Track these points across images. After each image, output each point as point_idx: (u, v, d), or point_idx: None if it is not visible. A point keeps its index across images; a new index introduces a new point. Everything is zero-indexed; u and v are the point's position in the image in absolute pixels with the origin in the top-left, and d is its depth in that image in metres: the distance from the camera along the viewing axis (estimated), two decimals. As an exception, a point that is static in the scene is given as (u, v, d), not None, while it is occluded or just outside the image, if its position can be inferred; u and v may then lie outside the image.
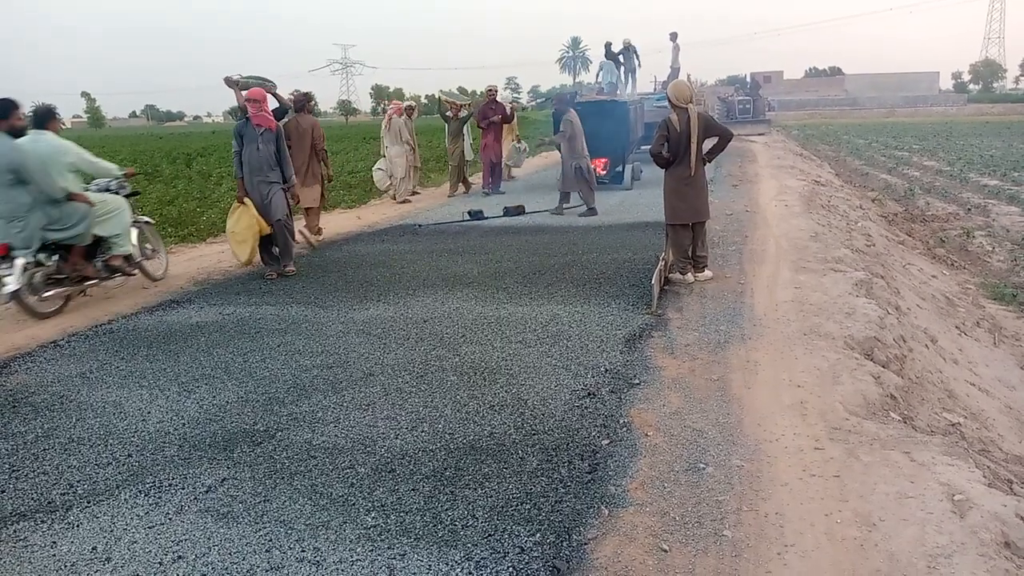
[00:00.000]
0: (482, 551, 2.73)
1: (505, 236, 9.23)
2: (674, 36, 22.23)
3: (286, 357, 4.96)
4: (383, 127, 13.61)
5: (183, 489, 3.29)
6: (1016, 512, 2.82)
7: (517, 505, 3.02)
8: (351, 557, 2.73)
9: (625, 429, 3.67)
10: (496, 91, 14.47)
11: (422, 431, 3.74)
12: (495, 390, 4.22)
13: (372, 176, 13.91)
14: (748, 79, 35.99)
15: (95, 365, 5.00)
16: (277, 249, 7.47)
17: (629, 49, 20.29)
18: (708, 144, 6.56)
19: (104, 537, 2.95)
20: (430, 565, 2.66)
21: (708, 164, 6.63)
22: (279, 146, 7.34)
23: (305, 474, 3.37)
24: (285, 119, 8.75)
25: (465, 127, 14.07)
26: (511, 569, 2.62)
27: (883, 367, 4.55)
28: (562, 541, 2.77)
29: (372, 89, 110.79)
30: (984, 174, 18.79)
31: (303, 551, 2.79)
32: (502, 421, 3.81)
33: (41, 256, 6.11)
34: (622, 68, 19.91)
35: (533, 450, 3.48)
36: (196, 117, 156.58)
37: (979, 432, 4.40)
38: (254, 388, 4.44)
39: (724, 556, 2.68)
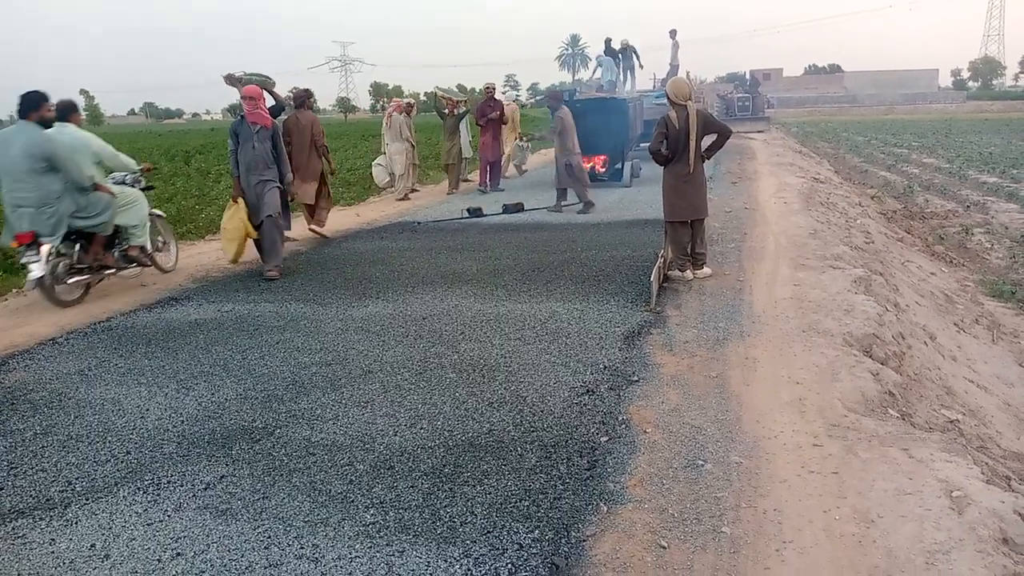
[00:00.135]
0: (481, 548, 2.73)
1: (504, 233, 9.23)
2: (673, 33, 22.23)
3: (285, 354, 4.96)
4: (384, 124, 13.64)
5: (182, 486, 3.29)
6: (1014, 508, 2.82)
7: (516, 502, 3.02)
8: (350, 554, 2.73)
9: (624, 426, 3.67)
10: (494, 88, 14.44)
11: (421, 428, 3.74)
12: (494, 387, 4.22)
13: (372, 172, 13.92)
14: (747, 76, 35.98)
15: (94, 362, 4.99)
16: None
17: (628, 49, 20.29)
18: (707, 141, 6.56)
19: (103, 534, 2.95)
20: (429, 562, 2.66)
21: (707, 161, 6.63)
22: (276, 144, 7.28)
23: (304, 471, 3.37)
24: (284, 116, 8.76)
25: (462, 124, 14.03)
26: (510, 566, 2.62)
27: (882, 364, 4.56)
28: (561, 538, 2.77)
29: (371, 87, 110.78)
30: (983, 171, 18.79)
31: (302, 548, 2.79)
32: (501, 418, 3.81)
33: (63, 246, 6.28)
34: (620, 65, 19.90)
35: (532, 447, 3.48)
36: (195, 114, 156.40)
37: (977, 429, 4.41)
38: (253, 385, 4.44)
39: (723, 553, 2.68)
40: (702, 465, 3.27)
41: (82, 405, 4.27)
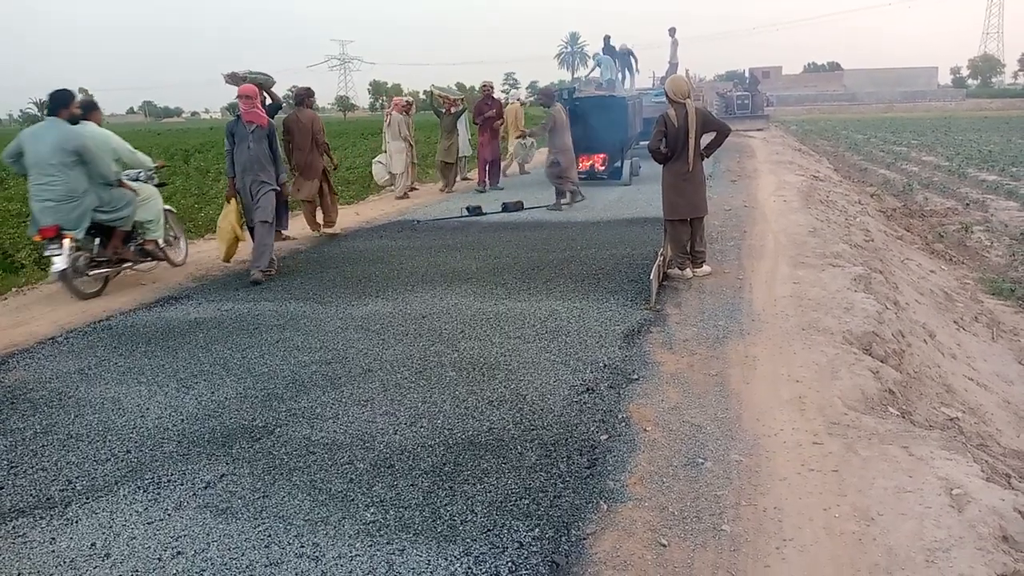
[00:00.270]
0: (481, 546, 2.73)
1: (503, 232, 9.22)
2: (673, 31, 22.20)
3: (285, 353, 4.96)
4: (384, 122, 13.68)
5: (182, 485, 3.30)
6: (1014, 506, 2.83)
7: (516, 500, 3.02)
8: (350, 552, 2.73)
9: (624, 424, 3.67)
10: (491, 87, 14.40)
11: (421, 427, 3.74)
12: (494, 386, 4.22)
13: (372, 171, 13.93)
14: (746, 74, 35.88)
15: (93, 361, 4.99)
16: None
17: (628, 55, 20.30)
18: (706, 139, 6.56)
19: (103, 533, 2.95)
20: (429, 560, 2.66)
21: (706, 159, 6.63)
22: (272, 144, 7.21)
23: (304, 470, 3.37)
24: (284, 116, 8.79)
25: (460, 123, 13.99)
26: (510, 564, 2.62)
27: (881, 362, 4.56)
28: (561, 536, 2.77)
29: (370, 85, 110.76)
30: (982, 169, 18.79)
31: (302, 547, 2.79)
32: (501, 416, 3.81)
33: (84, 240, 6.49)
34: (618, 64, 19.89)
35: (532, 445, 3.48)
36: (194, 113, 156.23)
37: (977, 427, 4.41)
38: (253, 384, 4.44)
39: (723, 551, 2.68)
40: (702, 463, 3.28)
41: (82, 404, 4.27)
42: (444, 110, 13.63)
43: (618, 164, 13.72)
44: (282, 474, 3.34)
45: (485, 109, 13.48)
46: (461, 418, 3.82)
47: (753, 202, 10.69)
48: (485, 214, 10.68)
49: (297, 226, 9.88)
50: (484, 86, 14.46)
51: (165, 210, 7.68)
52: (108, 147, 6.75)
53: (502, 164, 14.92)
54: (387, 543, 2.78)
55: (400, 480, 3.23)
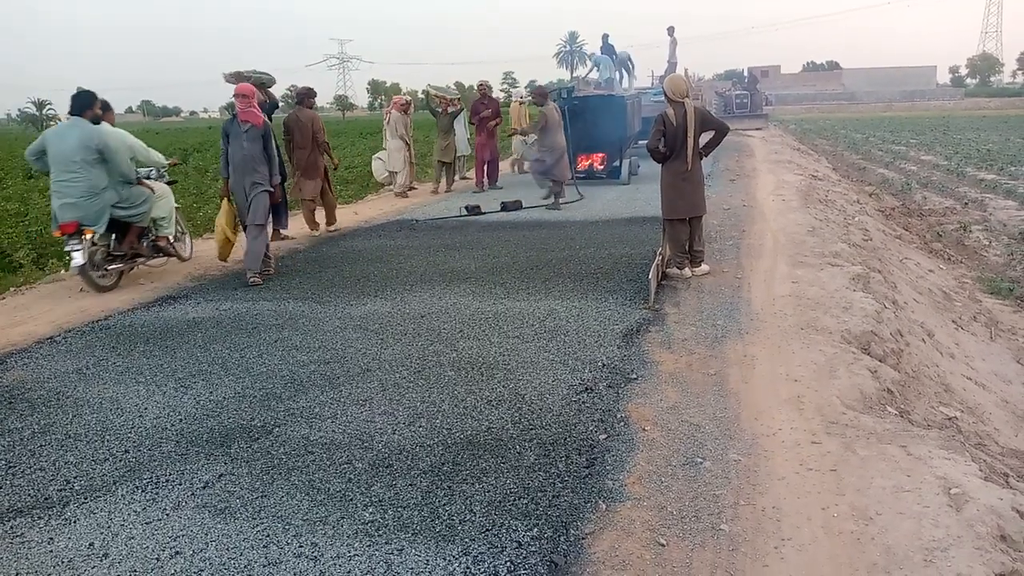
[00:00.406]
0: (480, 546, 2.73)
1: (502, 231, 9.22)
2: (671, 30, 22.19)
3: (283, 353, 4.96)
4: (384, 121, 13.72)
5: (180, 485, 3.29)
6: (1012, 505, 2.83)
7: (515, 500, 3.02)
8: (349, 552, 2.73)
9: (622, 424, 3.67)
10: (487, 86, 14.37)
11: (420, 426, 3.74)
12: (492, 385, 4.22)
13: (372, 166, 13.97)
14: (745, 73, 35.89)
15: (92, 361, 4.99)
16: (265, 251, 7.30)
17: (626, 60, 20.29)
18: (705, 138, 6.56)
19: (101, 533, 2.95)
20: (428, 560, 2.66)
21: (704, 158, 6.63)
22: (266, 144, 7.12)
23: (302, 470, 3.36)
24: (285, 115, 8.82)
25: (458, 123, 13.94)
26: (509, 563, 2.62)
27: (880, 361, 4.56)
28: (560, 535, 2.77)
29: (369, 84, 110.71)
30: (981, 168, 18.80)
31: (301, 546, 2.79)
32: (499, 416, 3.81)
33: (101, 235, 6.72)
34: (616, 63, 19.86)
35: (530, 445, 3.48)
36: (192, 112, 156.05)
37: (975, 426, 4.41)
38: (251, 384, 4.44)
39: (721, 550, 2.68)
40: (701, 463, 3.28)
41: (80, 404, 4.26)
42: (440, 110, 13.59)
43: (617, 163, 13.70)
44: (280, 474, 3.34)
45: (481, 109, 13.45)
46: (460, 418, 3.82)
47: (752, 201, 10.69)
48: (484, 213, 10.67)
49: (296, 226, 9.88)
50: (480, 86, 14.43)
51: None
52: (125, 145, 7.00)
53: (510, 161, 14.89)
54: (386, 543, 2.78)
55: (399, 480, 3.22)
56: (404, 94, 19.10)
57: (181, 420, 3.98)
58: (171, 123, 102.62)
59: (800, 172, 14.62)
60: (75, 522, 3.04)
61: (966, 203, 14.35)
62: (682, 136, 6.30)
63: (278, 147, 8.89)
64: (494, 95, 14.59)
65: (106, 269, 6.87)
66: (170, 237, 7.58)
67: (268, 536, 2.86)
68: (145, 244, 7.34)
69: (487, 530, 2.82)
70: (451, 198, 12.77)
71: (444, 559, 2.66)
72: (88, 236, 6.53)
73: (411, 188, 13.75)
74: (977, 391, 5.38)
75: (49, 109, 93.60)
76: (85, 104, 6.71)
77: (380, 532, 2.85)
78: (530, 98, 11.77)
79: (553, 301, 5.86)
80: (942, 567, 2.50)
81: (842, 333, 4.86)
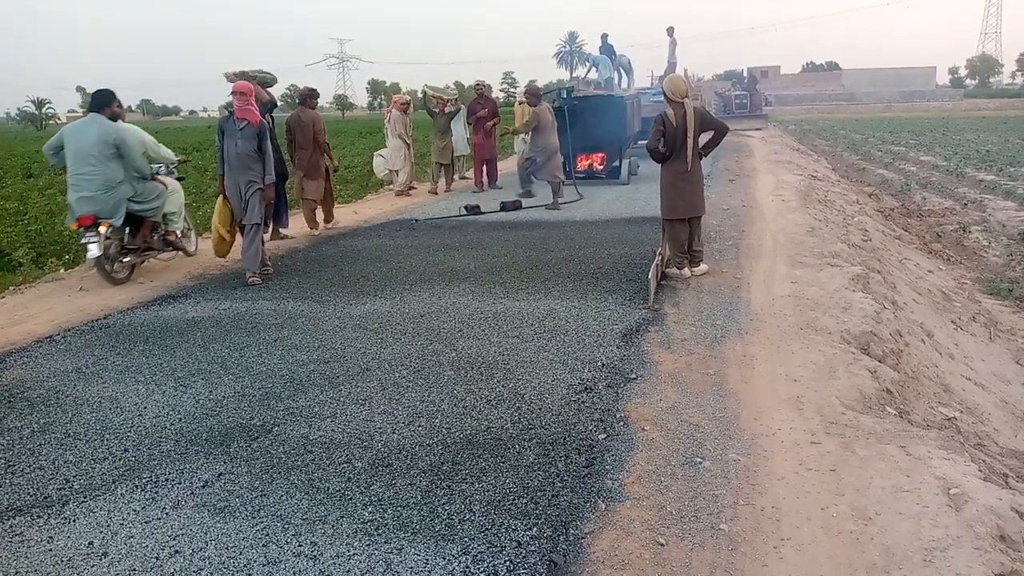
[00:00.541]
0: (479, 545, 2.73)
1: (502, 231, 9.22)
2: (671, 31, 22.20)
3: (283, 352, 4.96)
4: (385, 120, 13.76)
5: (180, 484, 3.29)
6: (1011, 506, 2.83)
7: (514, 499, 3.02)
8: (348, 551, 2.73)
9: (622, 423, 3.68)
10: (484, 86, 14.34)
11: (419, 426, 3.74)
12: (492, 385, 4.22)
13: (373, 163, 14.01)
14: (745, 74, 35.91)
15: (91, 360, 4.99)
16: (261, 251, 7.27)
17: (627, 65, 20.30)
18: (704, 138, 6.57)
19: (100, 532, 2.95)
20: (427, 559, 2.66)
21: (704, 159, 6.63)
22: (261, 143, 7.04)
23: (302, 469, 3.36)
24: (288, 115, 8.85)
25: (456, 122, 13.91)
26: (508, 563, 2.62)
27: (879, 361, 4.56)
28: (559, 535, 2.77)
29: (368, 84, 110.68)
30: (980, 169, 18.81)
31: (300, 546, 2.79)
32: (499, 416, 3.81)
33: (115, 229, 6.96)
34: (615, 63, 19.86)
35: (530, 444, 3.48)
36: (192, 111, 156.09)
37: (975, 426, 4.42)
38: (251, 383, 4.44)
39: (721, 550, 2.68)
40: (700, 463, 3.28)
41: (80, 403, 4.26)
42: (437, 110, 13.55)
43: (616, 163, 13.70)
44: (280, 473, 3.33)
45: (478, 109, 13.41)
46: (459, 417, 3.82)
47: (751, 201, 10.69)
48: (483, 213, 10.67)
49: (296, 225, 9.88)
50: (477, 85, 14.39)
51: None
52: (139, 141, 7.25)
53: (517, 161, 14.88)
54: (385, 542, 2.78)
55: (398, 479, 3.22)
56: (404, 93, 19.11)
57: (180, 419, 3.97)
58: (170, 122, 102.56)
59: (799, 172, 14.63)
60: (74, 521, 3.04)
61: (965, 204, 14.36)
62: (682, 136, 6.30)
63: (279, 146, 8.93)
64: (493, 95, 14.55)
65: (120, 261, 7.09)
66: (179, 232, 7.79)
67: (267, 535, 2.86)
68: (156, 238, 7.55)
69: (486, 529, 2.82)
70: (451, 198, 12.77)
71: (443, 558, 2.66)
72: (104, 229, 6.75)
73: (411, 188, 13.76)
74: (976, 391, 5.38)
75: (48, 108, 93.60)
76: (104, 101, 6.98)
77: (379, 531, 2.85)
78: (536, 94, 11.71)
79: (553, 301, 5.86)
80: (941, 567, 2.50)
81: (841, 333, 4.86)
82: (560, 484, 3.13)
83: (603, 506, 2.95)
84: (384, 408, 3.97)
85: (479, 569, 2.60)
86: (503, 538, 2.76)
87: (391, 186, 13.71)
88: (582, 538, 2.75)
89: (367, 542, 2.78)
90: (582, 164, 13.53)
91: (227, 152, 7.04)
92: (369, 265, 7.55)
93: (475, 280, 6.69)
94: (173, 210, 7.69)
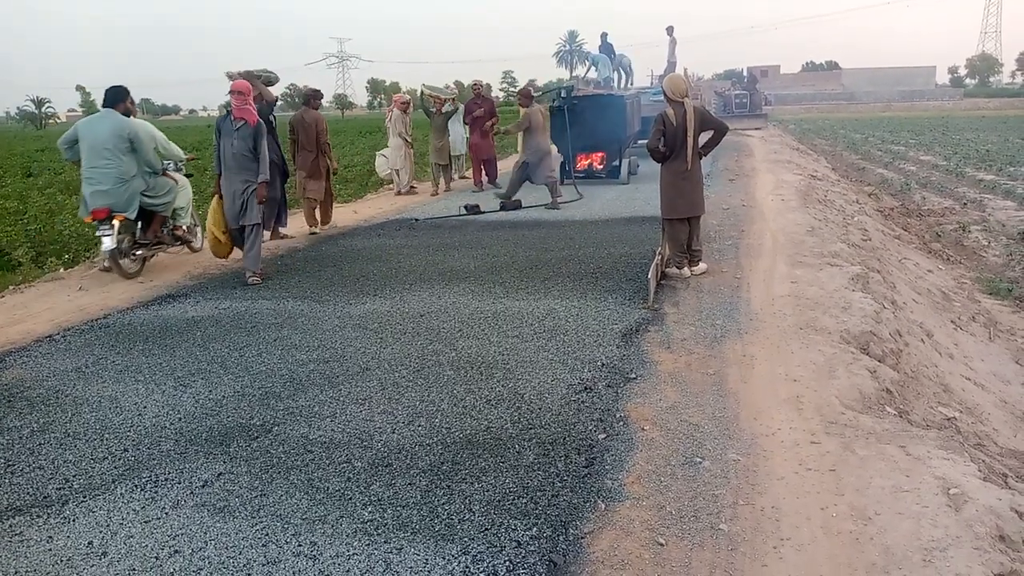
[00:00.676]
0: (479, 545, 2.73)
1: (501, 231, 9.22)
2: (670, 30, 22.19)
3: (282, 352, 4.95)
4: (387, 119, 13.76)
5: (179, 483, 3.29)
6: (1011, 506, 2.83)
7: (514, 499, 3.02)
8: (348, 551, 2.73)
9: (621, 423, 3.68)
10: (481, 86, 14.33)
11: (419, 425, 3.74)
12: (492, 384, 4.22)
13: (375, 162, 14.02)
14: (745, 73, 35.91)
15: (91, 360, 4.99)
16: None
17: (626, 66, 20.30)
18: (704, 138, 6.57)
19: (100, 531, 2.95)
20: (427, 559, 2.66)
21: (704, 158, 6.63)
22: (256, 143, 6.98)
23: (302, 469, 3.36)
24: (291, 115, 8.88)
25: (454, 121, 13.89)
26: (508, 563, 2.62)
27: (879, 361, 4.56)
28: (559, 535, 2.77)
29: (368, 83, 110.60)
30: (980, 169, 18.82)
31: (300, 545, 2.79)
32: (499, 415, 3.81)
33: (128, 223, 7.13)
34: (614, 62, 19.87)
35: (530, 444, 3.48)
36: (191, 111, 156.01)
37: (974, 426, 4.42)
38: (250, 383, 4.43)
39: (720, 550, 2.68)
40: (700, 462, 3.28)
41: (79, 402, 4.26)
42: (434, 110, 13.53)
43: (616, 163, 13.69)
44: (280, 473, 3.33)
45: (474, 108, 13.39)
46: (459, 417, 3.82)
47: (751, 201, 10.69)
48: (483, 213, 10.67)
49: (296, 225, 9.88)
50: (474, 85, 14.37)
51: None
52: (151, 137, 7.42)
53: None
54: (385, 542, 2.78)
55: (398, 479, 3.22)
56: (404, 93, 19.10)
57: (180, 419, 3.97)
58: (170, 121, 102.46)
59: (799, 172, 14.63)
60: (74, 521, 3.04)
61: (965, 203, 14.36)
62: (682, 136, 6.30)
63: (280, 146, 8.94)
64: (493, 95, 14.54)
65: (133, 255, 7.29)
66: (186, 227, 7.98)
67: (267, 535, 2.86)
68: (165, 232, 7.72)
69: (486, 529, 2.82)
70: (450, 197, 12.76)
71: (443, 558, 2.66)
72: (118, 222, 6.93)
73: (412, 188, 13.74)
74: (976, 391, 5.38)
75: (48, 108, 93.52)
76: (117, 98, 7.16)
77: (379, 531, 2.85)
78: (528, 95, 11.68)
79: (552, 300, 5.86)
80: (941, 567, 2.50)
81: (841, 333, 4.86)
82: (560, 484, 3.13)
83: (603, 506, 2.95)
84: (384, 408, 3.97)
85: (479, 569, 2.60)
86: (503, 538, 2.76)
87: (391, 186, 13.69)
88: (582, 538, 2.75)
89: (367, 542, 2.78)
90: (582, 164, 13.52)
91: (224, 152, 7.02)
92: (369, 265, 7.55)
93: (475, 280, 6.68)
94: (182, 205, 7.88)
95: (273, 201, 9.02)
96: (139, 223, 7.32)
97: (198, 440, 3.71)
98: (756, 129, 28.16)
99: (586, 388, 4.11)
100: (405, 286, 6.57)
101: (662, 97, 6.73)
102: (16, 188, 14.49)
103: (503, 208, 10.87)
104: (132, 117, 7.34)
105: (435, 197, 13.07)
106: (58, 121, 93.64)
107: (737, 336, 4.89)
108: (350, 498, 3.09)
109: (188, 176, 8.44)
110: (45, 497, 3.24)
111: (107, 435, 3.81)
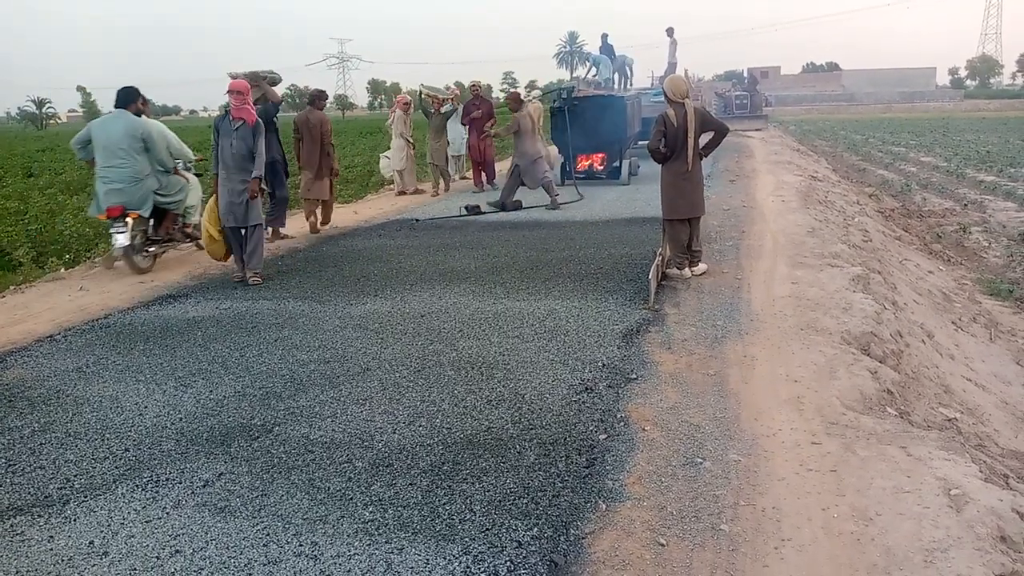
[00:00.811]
0: (480, 545, 2.73)
1: (502, 231, 9.22)
2: (671, 31, 22.20)
3: (283, 352, 4.96)
4: (389, 120, 13.77)
5: (180, 483, 3.29)
6: (1012, 506, 2.83)
7: (515, 499, 3.02)
8: (349, 551, 2.73)
9: (622, 424, 3.68)
10: (480, 87, 14.32)
11: (419, 426, 3.74)
12: (492, 385, 4.22)
13: (379, 164, 14.05)
14: (745, 74, 35.92)
15: (92, 360, 4.99)
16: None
17: (626, 67, 20.31)
18: (704, 139, 6.57)
19: (101, 531, 2.95)
20: (428, 559, 2.66)
21: (704, 159, 6.63)
22: (255, 143, 6.93)
23: (303, 469, 3.36)
24: (296, 115, 8.91)
25: (453, 122, 13.88)
26: (508, 563, 2.62)
27: (880, 362, 4.56)
28: (559, 535, 2.77)
29: (369, 84, 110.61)
30: (980, 170, 18.82)
31: (301, 545, 2.79)
32: (499, 416, 3.81)
33: (141, 221, 7.29)
34: (615, 63, 19.88)
35: (530, 445, 3.48)
36: (192, 111, 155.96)
37: (975, 427, 4.42)
38: (251, 383, 4.44)
39: (721, 550, 2.68)
40: (701, 463, 3.28)
41: (80, 402, 4.26)
42: (433, 110, 13.52)
43: (617, 164, 13.68)
44: (280, 473, 3.34)
45: (472, 109, 13.36)
46: (460, 417, 3.82)
47: (752, 202, 10.69)
48: (483, 213, 10.68)
49: (296, 225, 9.88)
50: (473, 86, 14.35)
51: None
52: (163, 136, 7.60)
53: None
54: (385, 542, 2.78)
55: (399, 479, 3.22)
56: (405, 93, 19.11)
57: (181, 419, 3.97)
58: (171, 121, 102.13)
59: (800, 173, 14.63)
60: (75, 520, 3.04)
61: (965, 204, 14.36)
62: (682, 137, 6.30)
63: (282, 145, 8.96)
64: (494, 95, 14.53)
65: (145, 251, 7.46)
66: (195, 225, 8.05)
67: (268, 535, 2.86)
68: (176, 230, 7.89)
69: (487, 529, 2.82)
70: (450, 198, 12.76)
71: (444, 558, 2.66)
72: (132, 219, 7.10)
73: (417, 190, 13.73)
74: (977, 392, 5.38)
75: (49, 108, 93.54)
76: (129, 98, 7.36)
77: (380, 531, 2.85)
78: (517, 99, 11.65)
79: (553, 301, 5.86)
80: (942, 568, 2.50)
81: (842, 334, 4.86)
82: (561, 484, 3.13)
83: (604, 506, 2.95)
84: (385, 408, 3.97)
85: (480, 569, 2.60)
86: (504, 538, 2.76)
87: (391, 186, 13.69)
88: (583, 538, 2.75)
89: (368, 542, 2.78)
90: (582, 164, 13.52)
91: (222, 151, 7.01)
92: (369, 265, 7.55)
93: (475, 280, 6.69)
94: (192, 203, 8.02)
95: (282, 200, 9.10)
96: (151, 220, 7.46)
97: (199, 440, 3.71)
98: (756, 130, 28.14)
99: (587, 388, 4.11)
100: (406, 286, 6.57)
101: (662, 98, 6.74)
102: (17, 188, 14.48)
103: (503, 208, 10.87)
104: (145, 117, 7.50)
105: (435, 198, 13.07)
106: (59, 121, 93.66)
107: (738, 337, 4.89)
108: (351, 498, 3.09)
109: (199, 175, 8.61)
110: (46, 497, 3.24)
111: (108, 435, 3.81)
